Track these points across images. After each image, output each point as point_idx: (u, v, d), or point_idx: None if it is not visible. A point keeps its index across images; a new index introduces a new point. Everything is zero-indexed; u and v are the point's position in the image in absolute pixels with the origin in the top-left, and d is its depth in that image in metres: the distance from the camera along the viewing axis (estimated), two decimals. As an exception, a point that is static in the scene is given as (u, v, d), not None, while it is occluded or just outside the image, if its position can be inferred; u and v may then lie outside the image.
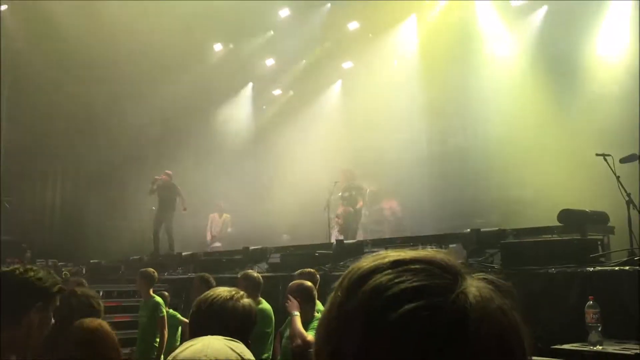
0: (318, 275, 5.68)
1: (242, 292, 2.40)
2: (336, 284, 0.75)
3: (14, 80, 15.51)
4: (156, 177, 12.94)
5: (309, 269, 5.79)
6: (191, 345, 1.36)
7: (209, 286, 5.95)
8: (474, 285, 0.69)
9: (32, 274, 2.26)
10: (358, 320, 0.67)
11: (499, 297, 0.70)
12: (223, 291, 2.33)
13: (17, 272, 2.25)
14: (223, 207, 14.71)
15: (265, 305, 5.60)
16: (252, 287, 5.65)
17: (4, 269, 2.32)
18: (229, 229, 14.54)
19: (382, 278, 0.69)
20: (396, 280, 0.68)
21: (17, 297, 2.21)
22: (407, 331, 0.64)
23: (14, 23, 15.22)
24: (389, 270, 0.70)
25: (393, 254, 0.73)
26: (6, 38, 14.59)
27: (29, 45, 15.02)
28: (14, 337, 2.17)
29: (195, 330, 2.12)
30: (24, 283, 2.23)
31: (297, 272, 5.78)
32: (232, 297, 2.28)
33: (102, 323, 2.69)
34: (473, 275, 0.72)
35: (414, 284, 0.67)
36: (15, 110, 15.68)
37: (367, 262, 0.74)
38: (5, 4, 15.01)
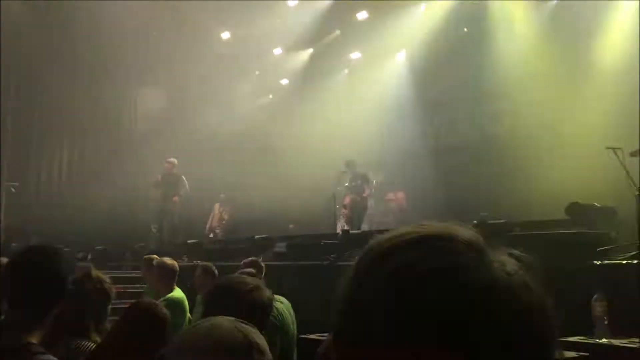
0: (263, 264, 5.71)
1: (262, 286, 2.39)
2: (354, 262, 0.72)
3: (19, 67, 15.52)
4: (158, 175, 12.88)
5: (252, 258, 5.91)
6: (200, 325, 1.36)
7: (212, 276, 5.96)
8: (499, 261, 0.67)
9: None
10: (381, 302, 0.65)
11: (525, 272, 0.68)
12: (245, 281, 2.33)
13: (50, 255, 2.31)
14: (223, 198, 14.74)
15: (177, 293, 5.57)
16: (167, 276, 5.72)
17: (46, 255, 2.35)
18: (224, 221, 14.55)
19: (403, 257, 0.66)
20: (418, 260, 0.65)
21: (54, 282, 2.26)
22: (432, 312, 0.62)
23: (23, 11, 15.25)
24: (410, 248, 0.67)
25: (412, 231, 0.70)
26: (14, 25, 14.62)
27: (35, 31, 15.02)
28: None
29: (211, 310, 2.15)
30: (59, 269, 2.29)
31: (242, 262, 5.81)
32: (254, 289, 2.28)
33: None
34: (497, 250, 0.70)
35: (437, 263, 0.65)
36: (21, 96, 15.72)
37: (385, 239, 0.71)
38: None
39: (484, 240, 0.70)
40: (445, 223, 0.72)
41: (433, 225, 0.71)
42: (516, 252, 0.71)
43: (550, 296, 0.69)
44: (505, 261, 0.68)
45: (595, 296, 4.48)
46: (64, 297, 2.29)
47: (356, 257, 0.73)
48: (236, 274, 5.12)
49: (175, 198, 12.68)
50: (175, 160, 12.99)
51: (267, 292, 2.37)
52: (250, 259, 5.92)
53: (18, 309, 2.24)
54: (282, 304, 4.77)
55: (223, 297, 2.31)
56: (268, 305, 2.32)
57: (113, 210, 14.33)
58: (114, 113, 17.28)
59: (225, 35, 16.21)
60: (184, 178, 12.90)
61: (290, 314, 4.80)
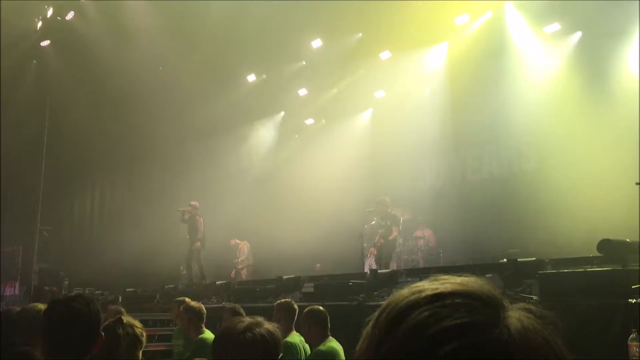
0: (295, 307, 5.70)
1: (261, 321, 2.38)
2: (373, 319, 0.73)
3: (53, 113, 16.01)
4: (181, 209, 13.19)
5: (285, 300, 5.96)
6: None
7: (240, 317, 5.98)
8: (516, 317, 0.68)
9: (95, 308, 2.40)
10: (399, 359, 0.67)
11: (542, 327, 0.69)
12: (241, 321, 2.33)
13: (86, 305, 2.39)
14: (236, 243, 14.87)
15: (207, 335, 5.64)
16: (195, 318, 5.86)
17: (77, 303, 2.42)
18: (241, 258, 14.61)
19: (420, 315, 0.67)
20: (436, 318, 0.66)
21: (90, 330, 2.33)
22: None
23: (55, 57, 15.80)
24: (428, 306, 0.68)
25: (430, 287, 0.71)
26: (47, 70, 15.13)
27: (67, 76, 15.53)
28: None
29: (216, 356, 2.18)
30: (95, 317, 2.35)
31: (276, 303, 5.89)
32: (249, 328, 2.27)
33: None
34: (514, 305, 0.71)
35: (455, 321, 0.65)
36: (54, 143, 16.16)
37: (403, 296, 0.72)
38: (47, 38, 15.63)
39: (502, 294, 0.71)
40: (462, 277, 0.73)
41: (450, 280, 0.72)
42: (533, 306, 0.71)
43: (569, 352, 0.69)
44: (522, 317, 0.69)
45: (631, 336, 4.36)
46: (97, 344, 2.36)
47: (375, 314, 0.74)
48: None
49: (198, 244, 12.97)
50: (196, 203, 13.30)
51: (267, 327, 2.31)
52: (283, 300, 5.92)
53: (53, 356, 2.31)
54: (335, 345, 4.96)
55: (221, 342, 2.33)
56: (269, 341, 2.29)
57: (143, 252, 14.48)
58: (142, 155, 17.61)
59: (251, 77, 16.54)
60: (201, 220, 13.16)
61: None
